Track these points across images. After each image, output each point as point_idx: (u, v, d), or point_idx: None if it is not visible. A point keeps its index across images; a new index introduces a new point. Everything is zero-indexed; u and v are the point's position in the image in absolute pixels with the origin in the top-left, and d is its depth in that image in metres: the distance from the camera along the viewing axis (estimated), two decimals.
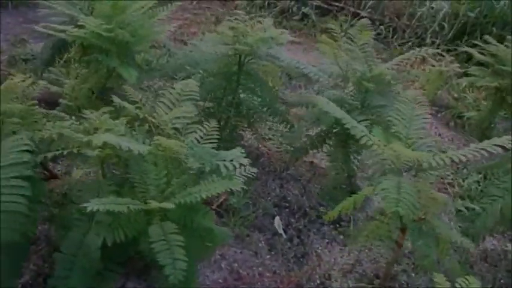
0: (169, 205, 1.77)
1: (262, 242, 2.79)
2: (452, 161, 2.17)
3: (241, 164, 1.96)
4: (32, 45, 4.82)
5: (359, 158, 3.08)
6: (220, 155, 2.02)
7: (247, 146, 3.62)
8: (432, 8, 5.98)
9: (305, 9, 6.30)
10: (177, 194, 1.92)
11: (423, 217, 2.26)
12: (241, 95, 3.37)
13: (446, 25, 5.82)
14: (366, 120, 2.78)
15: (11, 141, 1.91)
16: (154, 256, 1.83)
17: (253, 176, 2.12)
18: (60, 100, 3.18)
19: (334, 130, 3.06)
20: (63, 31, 3.00)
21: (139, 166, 1.92)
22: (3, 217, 1.72)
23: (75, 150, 2.02)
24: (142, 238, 1.89)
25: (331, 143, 3.14)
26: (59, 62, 3.83)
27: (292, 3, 6.33)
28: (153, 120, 2.07)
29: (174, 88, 2.28)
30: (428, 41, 5.90)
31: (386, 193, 2.06)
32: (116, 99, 2.08)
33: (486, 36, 4.21)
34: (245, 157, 2.01)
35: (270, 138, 3.84)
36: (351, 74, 2.94)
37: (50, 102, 3.82)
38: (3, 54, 4.57)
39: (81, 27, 2.92)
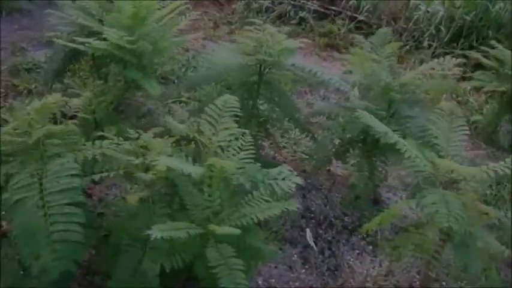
0: (234, 230, 1.70)
1: (295, 256, 2.75)
2: (496, 173, 2.16)
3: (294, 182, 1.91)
4: (32, 53, 4.68)
5: (386, 168, 3.05)
6: (271, 173, 1.97)
7: (264, 155, 3.56)
8: (428, 11, 6.02)
9: (302, 14, 6.26)
10: (231, 215, 1.86)
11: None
12: (260, 106, 3.31)
13: (443, 28, 5.86)
14: (395, 131, 2.76)
15: (57, 164, 1.82)
16: (210, 280, 1.78)
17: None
18: (77, 114, 3.08)
19: (359, 140, 3.04)
20: (82, 43, 2.91)
21: (189, 187, 1.85)
22: (59, 248, 1.63)
23: (121, 172, 1.94)
24: (197, 262, 1.83)
25: (355, 152, 3.11)
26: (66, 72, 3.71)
27: (290, 7, 6.29)
28: (201, 140, 2.00)
29: (215, 104, 2.21)
30: (425, 44, 5.94)
31: (436, 208, 2.04)
32: (168, 119, 1.99)
33: (492, 41, 4.26)
34: None
35: (284, 147, 3.80)
36: (375, 83, 2.91)
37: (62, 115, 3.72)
38: (3, 63, 4.41)
39: (102, 38, 2.83)
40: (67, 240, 1.66)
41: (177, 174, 1.82)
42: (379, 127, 2.30)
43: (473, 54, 4.48)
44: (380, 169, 3.03)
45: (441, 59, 3.03)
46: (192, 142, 2.06)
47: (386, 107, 2.96)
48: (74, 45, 2.96)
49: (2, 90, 3.98)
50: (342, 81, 3.08)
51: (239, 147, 2.09)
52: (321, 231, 2.97)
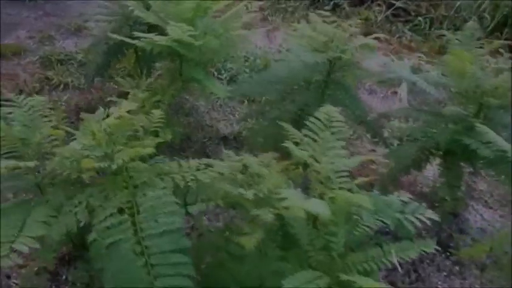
0: (373, 284, 1.37)
1: (381, 280, 2.43)
2: None
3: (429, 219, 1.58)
4: (61, 43, 4.28)
5: (474, 179, 2.72)
6: (395, 205, 1.63)
7: None
8: None
9: None
10: (357, 260, 1.53)
11: None
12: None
13: (487, 16, 5.47)
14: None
15: (152, 198, 1.48)
16: None
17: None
18: None
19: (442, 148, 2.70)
20: (137, 38, 2.53)
21: (309, 227, 1.52)
22: None
23: (221, 203, 1.60)
24: None
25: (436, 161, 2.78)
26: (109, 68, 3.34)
27: None
28: (316, 166, 1.64)
29: (316, 118, 1.85)
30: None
31: None
32: (289, 145, 1.63)
33: None
34: None
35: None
36: (468, 86, 2.56)
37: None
38: (32, 53, 4.03)
39: (163, 33, 2.46)
40: None
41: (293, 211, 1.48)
42: (502, 143, 1.96)
43: None
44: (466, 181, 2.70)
45: None
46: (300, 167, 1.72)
47: (475, 112, 2.62)
48: (128, 40, 2.58)
49: (36, 84, 3.60)
50: (425, 82, 2.74)
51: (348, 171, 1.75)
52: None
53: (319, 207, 1.36)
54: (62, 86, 3.61)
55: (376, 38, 2.78)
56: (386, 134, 3.13)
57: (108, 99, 2.79)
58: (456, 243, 2.74)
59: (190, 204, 1.60)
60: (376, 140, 3.29)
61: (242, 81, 3.01)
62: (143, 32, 3.18)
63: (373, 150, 3.57)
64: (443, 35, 5.56)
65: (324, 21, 2.85)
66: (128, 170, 1.59)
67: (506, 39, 5.40)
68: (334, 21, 2.92)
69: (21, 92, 3.46)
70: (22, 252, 1.43)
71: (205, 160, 1.78)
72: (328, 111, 1.87)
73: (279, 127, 2.91)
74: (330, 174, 1.66)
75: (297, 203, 1.31)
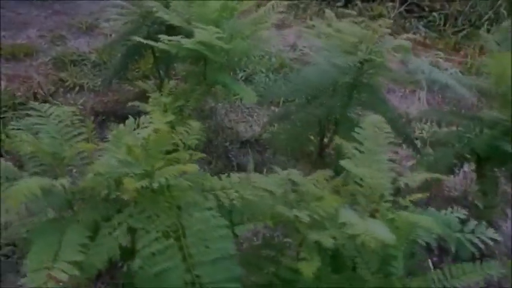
0: None
1: None
2: None
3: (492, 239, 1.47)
4: (73, 42, 4.15)
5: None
6: (453, 223, 1.52)
7: None
8: None
9: None
10: (418, 285, 1.42)
11: None
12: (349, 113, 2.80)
13: (504, 11, 5.34)
14: None
15: (199, 220, 1.36)
16: None
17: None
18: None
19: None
20: (159, 40, 2.41)
21: (366, 251, 1.40)
22: None
23: (270, 224, 1.48)
24: None
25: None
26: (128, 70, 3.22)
27: None
28: (369, 182, 1.52)
29: (362, 128, 1.73)
30: (483, 29, 5.42)
31: None
32: (346, 164, 1.50)
33: None
34: None
35: None
36: (507, 90, 2.44)
37: (119, 114, 3.24)
38: (44, 54, 3.90)
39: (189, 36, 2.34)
40: None
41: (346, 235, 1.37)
42: None
43: None
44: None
45: None
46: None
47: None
48: (152, 43, 2.46)
49: (50, 86, 3.48)
50: (459, 84, 2.62)
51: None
52: (435, 259, 2.54)
53: (385, 232, 1.24)
54: (76, 88, 3.48)
55: (408, 39, 2.66)
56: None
57: (130, 103, 2.68)
58: (491, 253, 2.63)
59: (236, 224, 1.49)
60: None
61: (270, 85, 2.90)
62: (161, 33, 3.07)
63: (396, 152, 3.46)
64: (459, 32, 5.46)
65: (353, 22, 2.74)
66: (169, 188, 1.47)
67: None
68: (362, 21, 2.80)
69: (35, 95, 3.35)
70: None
71: (245, 174, 1.66)
72: (375, 121, 1.75)
73: (304, 130, 2.82)
74: (383, 192, 1.55)
75: (361, 229, 1.20)
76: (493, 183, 2.54)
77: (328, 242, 1.28)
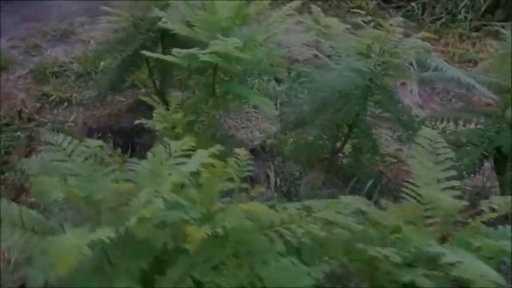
0: None
1: None
2: None
3: None
4: (50, 51, 3.85)
5: None
6: None
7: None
8: None
9: None
10: None
11: None
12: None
13: None
14: None
15: (278, 270, 1.20)
16: None
17: None
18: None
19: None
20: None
21: None
22: None
23: (348, 264, 1.33)
24: None
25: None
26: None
27: None
28: (438, 203, 1.40)
29: (418, 143, 1.60)
30: (460, 16, 5.42)
31: None
32: (429, 192, 1.36)
33: None
34: None
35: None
36: None
37: (115, 130, 2.99)
38: (21, 66, 3.59)
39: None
40: None
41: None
42: None
43: None
44: None
45: None
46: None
47: None
48: (161, 56, 2.25)
49: (34, 102, 3.19)
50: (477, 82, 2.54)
51: None
52: None
53: (491, 271, 1.12)
54: (65, 102, 3.21)
55: (423, 38, 2.55)
56: None
57: (137, 121, 2.47)
58: None
59: (307, 264, 1.34)
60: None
61: (292, 94, 2.75)
62: (156, 41, 2.86)
63: (400, 150, 3.38)
64: (437, 20, 5.44)
65: (364, 22, 2.61)
66: (231, 231, 1.30)
67: (498, 20, 5.32)
68: (371, 21, 2.68)
69: (20, 113, 3.06)
70: None
71: (300, 203, 1.51)
72: (429, 134, 1.63)
73: (322, 137, 2.69)
74: (453, 213, 1.43)
75: (475, 272, 1.07)
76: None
77: (426, 283, 1.15)
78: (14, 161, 2.64)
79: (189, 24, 2.33)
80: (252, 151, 3.08)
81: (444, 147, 1.59)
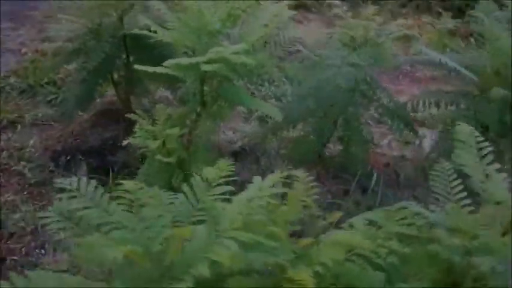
0: None
1: None
2: None
3: None
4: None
5: None
6: None
7: None
8: None
9: None
10: None
11: None
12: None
13: None
14: None
15: None
16: None
17: None
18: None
19: None
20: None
21: None
22: None
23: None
24: None
25: None
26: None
27: None
28: None
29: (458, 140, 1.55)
30: None
31: None
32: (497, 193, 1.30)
33: None
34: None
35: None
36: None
37: (85, 150, 2.64)
38: None
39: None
40: None
41: None
42: None
43: None
44: None
45: None
46: None
47: None
48: (152, 69, 1.99)
49: None
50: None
51: None
52: None
53: None
54: (16, 124, 2.82)
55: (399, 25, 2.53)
56: None
57: (125, 142, 2.20)
58: None
59: (396, 282, 1.24)
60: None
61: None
62: (118, 49, 2.58)
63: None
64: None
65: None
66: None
67: None
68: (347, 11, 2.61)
69: None
70: None
71: (361, 217, 1.41)
72: (465, 130, 1.58)
73: (316, 135, 2.60)
74: None
75: None
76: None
77: None
78: None
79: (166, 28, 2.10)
80: (235, 154, 2.94)
81: (482, 141, 1.56)
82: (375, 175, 2.63)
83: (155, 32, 2.02)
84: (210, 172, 1.48)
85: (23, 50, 3.54)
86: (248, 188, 1.32)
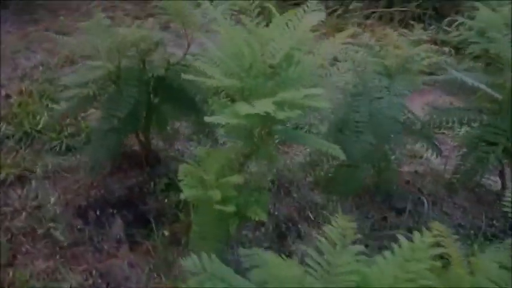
0: None
1: None
2: None
3: None
4: None
5: None
6: None
7: None
8: None
9: None
10: None
11: None
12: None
13: None
14: None
15: None
16: None
17: None
18: None
19: None
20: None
21: None
22: None
23: None
24: None
25: None
26: None
27: None
28: None
29: None
30: (352, 6, 5.66)
31: None
32: None
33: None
34: None
35: None
36: None
37: (113, 202, 2.39)
38: None
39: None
40: None
41: None
42: None
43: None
44: None
45: None
46: None
47: None
48: (210, 119, 1.83)
49: None
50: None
51: None
52: None
53: None
54: (26, 179, 2.52)
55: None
56: None
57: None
58: None
59: None
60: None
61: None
62: (146, 92, 2.40)
63: None
64: (333, 12, 5.56)
65: None
66: None
67: (383, 7, 5.66)
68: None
69: None
70: None
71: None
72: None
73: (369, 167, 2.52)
74: None
75: None
76: None
77: None
78: None
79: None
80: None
81: None
82: (410, 196, 2.64)
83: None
84: (333, 232, 1.38)
85: (4, 92, 3.21)
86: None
